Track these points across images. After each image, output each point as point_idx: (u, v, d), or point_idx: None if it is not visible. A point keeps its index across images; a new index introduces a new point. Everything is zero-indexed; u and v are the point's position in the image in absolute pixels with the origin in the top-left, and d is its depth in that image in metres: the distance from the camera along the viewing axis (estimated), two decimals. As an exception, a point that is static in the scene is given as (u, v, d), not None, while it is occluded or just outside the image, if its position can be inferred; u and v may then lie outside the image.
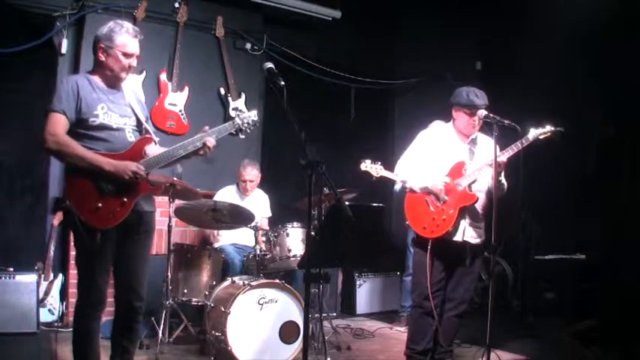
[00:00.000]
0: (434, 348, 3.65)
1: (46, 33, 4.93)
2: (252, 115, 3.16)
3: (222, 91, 5.62)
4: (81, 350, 2.90)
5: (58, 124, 2.75)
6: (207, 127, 3.02)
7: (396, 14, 6.67)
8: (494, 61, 6.40)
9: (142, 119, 3.03)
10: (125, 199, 2.80)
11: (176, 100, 5.33)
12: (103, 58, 2.90)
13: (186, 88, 5.37)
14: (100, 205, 2.74)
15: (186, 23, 5.42)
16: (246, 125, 3.13)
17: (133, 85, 3.15)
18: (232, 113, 5.62)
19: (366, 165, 4.64)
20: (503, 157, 3.44)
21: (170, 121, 5.28)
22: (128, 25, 2.94)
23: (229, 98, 5.62)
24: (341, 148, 6.13)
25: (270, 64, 2.80)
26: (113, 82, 2.97)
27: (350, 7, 6.10)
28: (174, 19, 5.38)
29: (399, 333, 5.08)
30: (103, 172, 2.74)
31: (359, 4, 6.19)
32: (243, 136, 3.23)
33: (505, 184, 3.61)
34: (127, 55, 2.91)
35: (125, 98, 3.02)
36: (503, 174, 3.53)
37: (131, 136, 2.95)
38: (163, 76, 5.30)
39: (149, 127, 3.06)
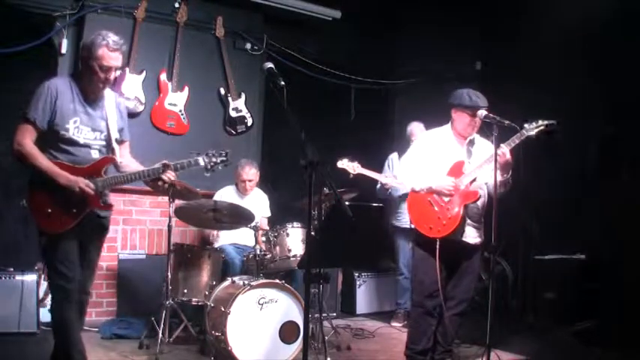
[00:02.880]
0: (434, 347, 3.65)
1: (46, 33, 4.94)
2: (222, 157, 3.16)
3: (222, 91, 5.62)
4: (60, 340, 2.99)
5: (27, 133, 2.88)
6: (165, 161, 3.07)
7: (396, 14, 6.67)
8: (494, 61, 6.39)
9: (113, 136, 3.08)
10: (74, 210, 2.92)
11: (176, 100, 5.33)
12: (82, 67, 2.96)
13: (186, 88, 5.37)
14: (49, 211, 2.89)
15: (186, 23, 5.43)
16: (211, 165, 3.15)
17: (115, 96, 3.15)
18: (232, 113, 5.63)
19: (343, 163, 4.67)
20: (506, 149, 3.41)
21: (170, 121, 5.28)
22: (110, 37, 2.92)
23: (229, 98, 5.61)
24: (341, 148, 6.11)
25: (270, 64, 2.80)
26: (92, 92, 3.01)
27: (350, 7, 6.10)
28: (174, 19, 5.38)
29: (399, 333, 5.08)
30: (58, 184, 2.86)
31: (359, 4, 6.19)
32: (208, 174, 3.22)
33: (510, 180, 3.58)
34: (103, 68, 2.91)
35: (103, 109, 3.05)
36: (510, 170, 3.51)
37: (95, 153, 3.03)
38: (163, 76, 5.30)
39: (116, 145, 3.10)
